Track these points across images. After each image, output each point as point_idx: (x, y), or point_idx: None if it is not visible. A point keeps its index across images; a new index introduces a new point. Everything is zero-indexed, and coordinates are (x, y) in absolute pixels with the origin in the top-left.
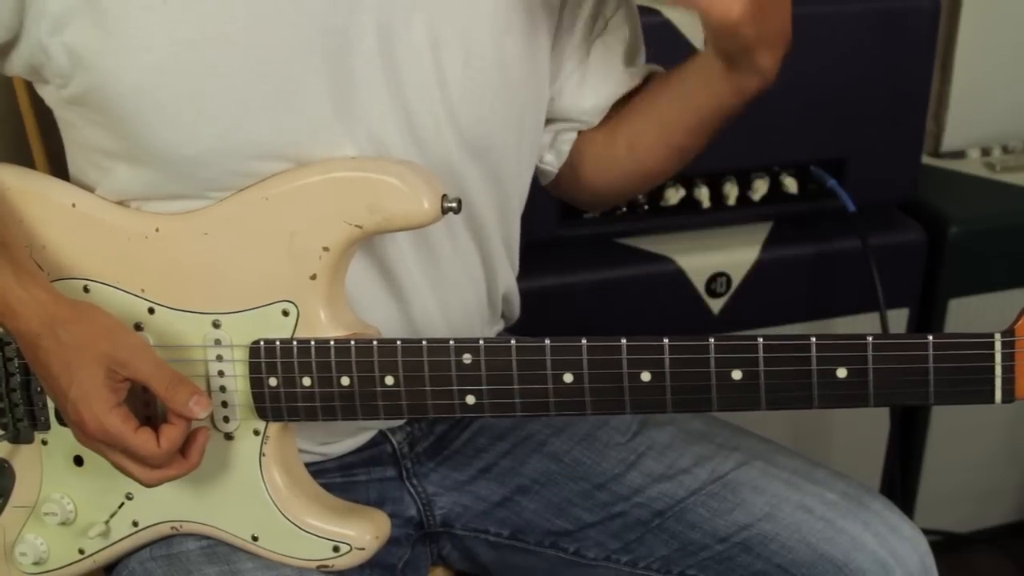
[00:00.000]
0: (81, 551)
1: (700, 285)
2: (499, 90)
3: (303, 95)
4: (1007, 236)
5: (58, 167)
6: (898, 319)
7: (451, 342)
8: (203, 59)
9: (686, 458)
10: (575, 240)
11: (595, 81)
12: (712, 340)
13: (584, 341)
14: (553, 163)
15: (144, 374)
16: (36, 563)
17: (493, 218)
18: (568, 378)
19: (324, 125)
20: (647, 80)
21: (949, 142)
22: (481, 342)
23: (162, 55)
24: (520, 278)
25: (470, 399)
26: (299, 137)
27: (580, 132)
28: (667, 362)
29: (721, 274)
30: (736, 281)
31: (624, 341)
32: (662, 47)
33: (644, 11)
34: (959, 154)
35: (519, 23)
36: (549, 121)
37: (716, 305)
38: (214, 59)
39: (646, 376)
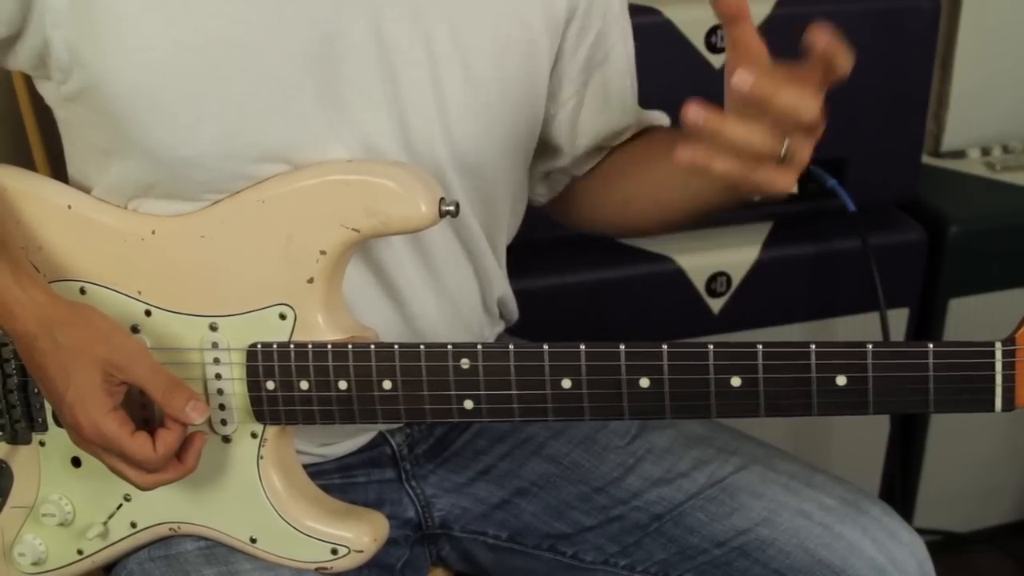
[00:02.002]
0: (80, 552)
1: (700, 285)
2: (497, 109)
3: (300, 100)
4: (1007, 236)
5: (58, 168)
6: (898, 319)
7: (449, 347)
8: (202, 61)
9: (685, 462)
10: (575, 240)
11: (591, 111)
12: (711, 346)
13: (582, 347)
14: (544, 195)
15: (141, 378)
16: (35, 563)
17: (480, 233)
18: (566, 384)
19: (320, 131)
20: (648, 133)
21: (949, 142)
22: (479, 347)
23: (162, 55)
24: (520, 278)
25: (468, 404)
26: (295, 142)
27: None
28: (666, 368)
29: (721, 274)
30: (736, 281)
31: (623, 347)
32: (662, 47)
33: (644, 11)
34: (959, 154)
35: (520, 44)
36: (541, 150)
37: (716, 305)
38: (214, 61)
39: (645, 382)
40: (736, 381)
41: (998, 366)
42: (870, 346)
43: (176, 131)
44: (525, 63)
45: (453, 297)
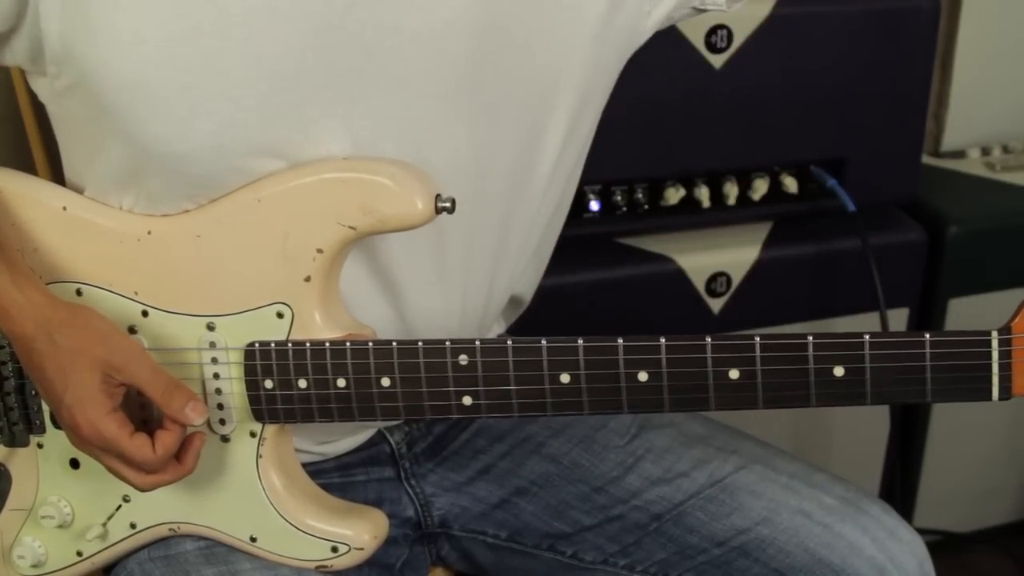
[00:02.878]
0: (79, 553)
1: (700, 285)
2: (517, 76)
3: (295, 92)
4: (1007, 236)
5: (59, 169)
6: (898, 319)
7: (447, 343)
8: (196, 53)
9: (684, 461)
10: (575, 240)
11: None
12: (709, 339)
13: (580, 341)
14: None
15: (140, 379)
16: (34, 566)
17: (507, 217)
18: (565, 378)
19: (317, 123)
20: None
21: (949, 142)
22: (477, 343)
23: (154, 48)
24: None
25: (467, 400)
26: (292, 135)
27: None
28: (664, 362)
29: (721, 274)
30: (736, 281)
31: (621, 341)
32: (662, 47)
33: None
34: (959, 154)
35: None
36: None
37: (716, 305)
38: (207, 53)
39: (643, 376)
40: (734, 373)
41: (995, 355)
42: (867, 337)
43: (170, 125)
44: (540, 12)
45: (452, 293)
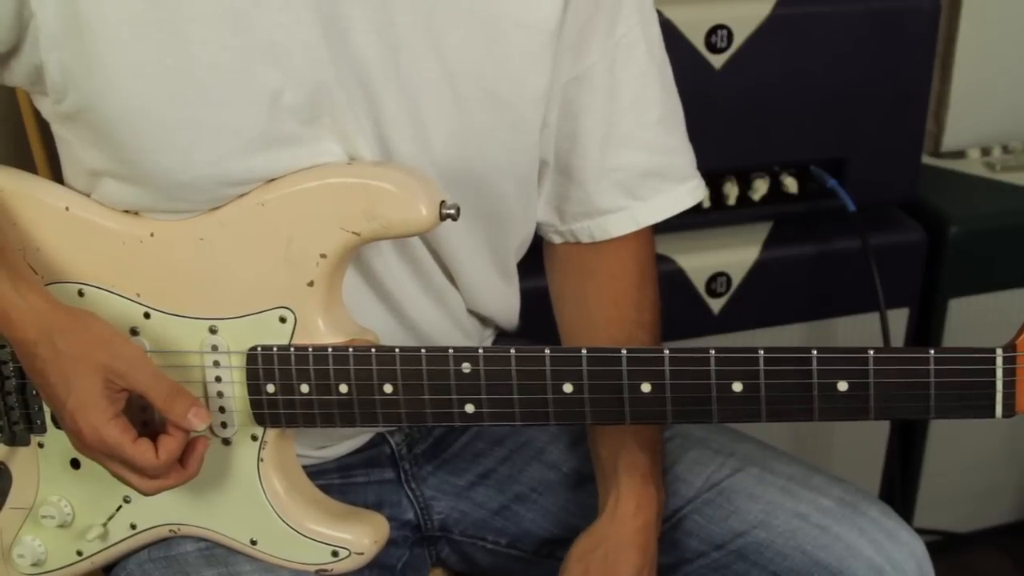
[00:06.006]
0: (79, 553)
1: (700, 285)
2: (486, 131)
3: (298, 122)
4: (1007, 236)
5: (59, 169)
6: (898, 319)
7: (450, 351)
8: (195, 86)
9: (682, 465)
10: None
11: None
12: (713, 352)
13: (584, 351)
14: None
15: (143, 385)
16: (34, 565)
17: (459, 249)
18: (568, 388)
19: (320, 151)
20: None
21: (949, 142)
22: (480, 351)
23: (153, 81)
24: (521, 278)
25: (469, 408)
26: (295, 162)
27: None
28: (667, 373)
29: (721, 274)
30: (736, 281)
31: (624, 352)
32: (663, 44)
33: None
34: (959, 154)
35: (510, 63)
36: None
37: (716, 305)
38: (206, 87)
39: (646, 387)
40: (738, 386)
41: (999, 372)
42: (871, 352)
43: (172, 156)
44: (516, 83)
45: (444, 302)
